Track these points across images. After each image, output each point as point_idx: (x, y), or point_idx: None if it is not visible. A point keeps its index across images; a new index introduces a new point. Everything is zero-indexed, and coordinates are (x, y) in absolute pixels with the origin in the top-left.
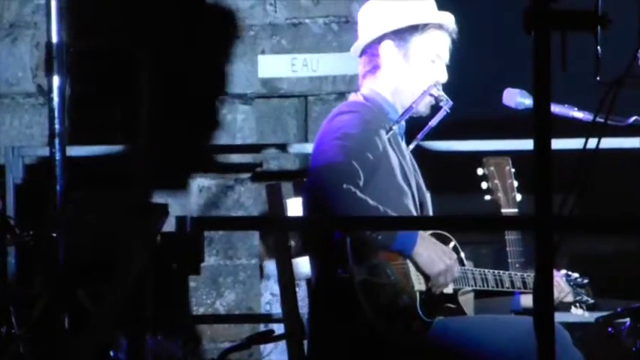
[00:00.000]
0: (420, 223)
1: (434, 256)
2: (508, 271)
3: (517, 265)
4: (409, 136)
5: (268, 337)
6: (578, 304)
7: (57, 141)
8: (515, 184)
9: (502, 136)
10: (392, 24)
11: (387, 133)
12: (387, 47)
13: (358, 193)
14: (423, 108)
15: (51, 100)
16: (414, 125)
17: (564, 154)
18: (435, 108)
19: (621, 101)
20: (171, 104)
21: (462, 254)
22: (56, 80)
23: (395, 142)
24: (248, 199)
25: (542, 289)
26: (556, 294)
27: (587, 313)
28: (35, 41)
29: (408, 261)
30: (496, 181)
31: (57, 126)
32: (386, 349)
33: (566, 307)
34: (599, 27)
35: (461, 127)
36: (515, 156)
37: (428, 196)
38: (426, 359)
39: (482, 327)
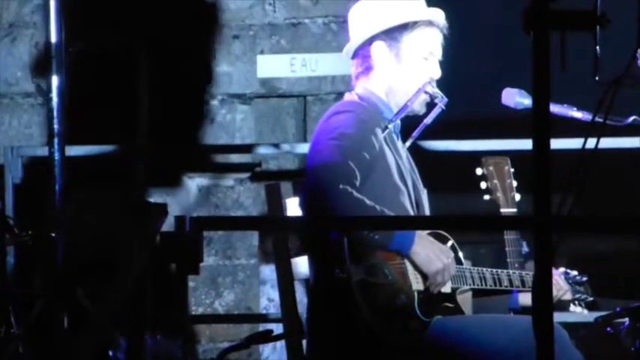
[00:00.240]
0: (419, 222)
1: (431, 255)
2: (507, 270)
3: (516, 265)
4: (405, 134)
5: (267, 337)
6: (577, 302)
7: (56, 141)
8: (514, 183)
9: (501, 136)
10: (382, 24)
11: (383, 131)
12: (378, 48)
13: (355, 193)
14: (417, 106)
15: (50, 100)
16: (409, 123)
17: (563, 153)
18: (431, 105)
19: (620, 101)
20: (170, 104)
21: (460, 253)
22: (55, 80)
23: (391, 141)
24: (247, 198)
25: (542, 288)
26: (554, 292)
27: (586, 311)
28: (34, 41)
29: (406, 260)
30: (495, 181)
31: (56, 126)
32: (384, 349)
33: (565, 305)
34: (598, 27)
35: (460, 126)
36: (515, 156)
37: (425, 194)
38: (424, 359)
39: (480, 326)
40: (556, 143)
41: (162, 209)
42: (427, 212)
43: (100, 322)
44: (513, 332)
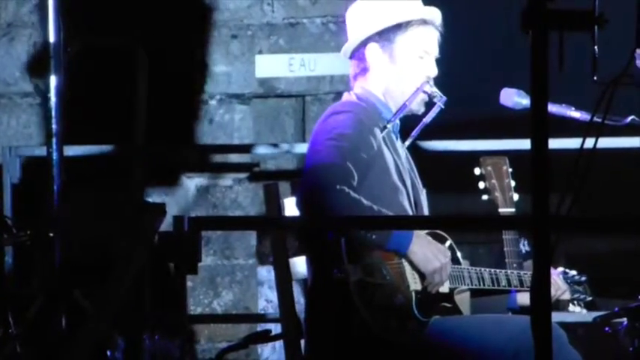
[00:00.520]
0: (416, 222)
1: (429, 254)
2: (505, 270)
3: (514, 265)
4: (404, 134)
5: (265, 337)
6: (575, 302)
7: (54, 141)
8: (513, 183)
9: (499, 136)
10: (375, 25)
11: (382, 131)
12: (372, 50)
13: (352, 193)
14: (416, 106)
15: (48, 99)
16: (409, 123)
17: (561, 153)
18: (429, 104)
19: (618, 101)
20: (168, 104)
21: (458, 253)
22: (53, 80)
23: (389, 141)
24: (245, 198)
25: (540, 288)
26: (553, 292)
27: (584, 311)
28: (32, 41)
29: (404, 260)
30: (493, 181)
31: (54, 126)
32: (382, 349)
33: (563, 304)
34: (596, 27)
35: (458, 126)
36: (513, 155)
37: (423, 193)
38: (422, 359)
39: (478, 326)
40: (554, 143)
41: (160, 209)
42: (426, 212)
43: (97, 322)
44: (511, 332)
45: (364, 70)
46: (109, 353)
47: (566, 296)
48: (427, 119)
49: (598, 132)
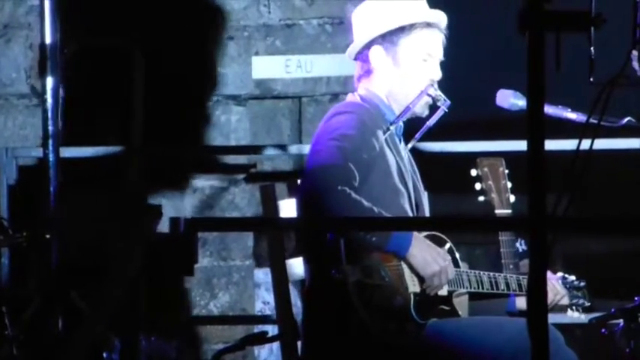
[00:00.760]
0: (414, 223)
1: (428, 258)
2: (502, 272)
3: (511, 266)
4: (407, 136)
5: (262, 338)
6: (574, 307)
7: (51, 142)
8: (509, 185)
9: (496, 137)
10: (380, 27)
11: (384, 133)
12: (376, 53)
13: (353, 194)
14: (420, 108)
15: (45, 101)
16: (412, 125)
17: (558, 155)
18: (433, 107)
19: (615, 102)
20: (165, 105)
21: (457, 255)
22: (50, 81)
23: (392, 143)
24: (242, 200)
25: (536, 289)
26: (552, 297)
27: (583, 316)
28: (29, 42)
29: (403, 262)
30: (490, 182)
31: (51, 127)
32: (379, 351)
33: (562, 310)
34: (592, 28)
35: (454, 128)
36: (509, 157)
37: (425, 196)
38: None
39: (476, 328)
40: (550, 144)
41: (156, 210)
42: (427, 214)
43: (94, 323)
44: (509, 334)
45: (368, 72)
46: (105, 354)
47: (565, 301)
48: (430, 122)
49: (594, 133)
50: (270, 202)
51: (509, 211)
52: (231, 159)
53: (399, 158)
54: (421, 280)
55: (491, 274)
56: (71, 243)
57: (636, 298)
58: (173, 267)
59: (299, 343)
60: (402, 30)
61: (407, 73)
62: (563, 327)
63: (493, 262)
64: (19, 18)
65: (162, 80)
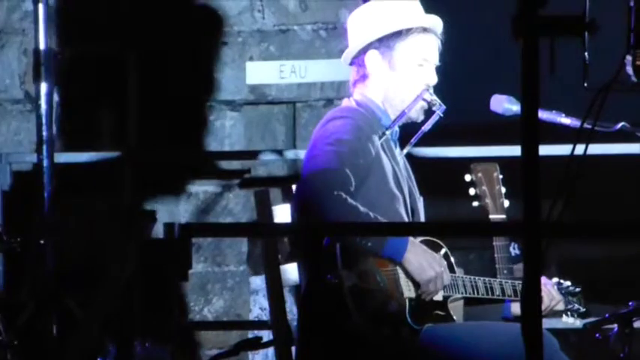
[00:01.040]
0: (409, 229)
1: (424, 264)
2: (497, 277)
3: (505, 272)
4: (403, 142)
5: (256, 344)
6: (569, 313)
7: (45, 148)
8: (503, 190)
9: (490, 143)
10: (376, 32)
11: (380, 138)
12: (372, 57)
13: (349, 199)
14: (415, 114)
15: (39, 106)
16: (407, 130)
17: (552, 160)
18: (428, 112)
19: (609, 107)
20: (159, 111)
21: (453, 260)
22: (44, 87)
23: (388, 148)
24: (236, 205)
25: (530, 294)
26: (547, 302)
27: (578, 321)
28: (23, 48)
29: (398, 268)
30: (484, 187)
31: (45, 133)
32: (375, 356)
33: (557, 315)
34: (586, 33)
35: (449, 133)
36: (503, 162)
37: (420, 202)
38: None
39: (470, 334)
40: (545, 149)
41: (151, 216)
42: (422, 220)
43: (88, 328)
44: (503, 340)
45: (364, 77)
46: None
47: (561, 307)
48: (426, 127)
49: (588, 138)
50: (264, 208)
51: (504, 216)
52: (226, 164)
53: (394, 163)
54: (417, 285)
55: (487, 279)
56: (65, 248)
57: (630, 304)
58: (167, 272)
59: (293, 349)
60: (398, 34)
61: (403, 77)
62: (557, 332)
63: (487, 267)
64: (14, 24)
65: (157, 85)
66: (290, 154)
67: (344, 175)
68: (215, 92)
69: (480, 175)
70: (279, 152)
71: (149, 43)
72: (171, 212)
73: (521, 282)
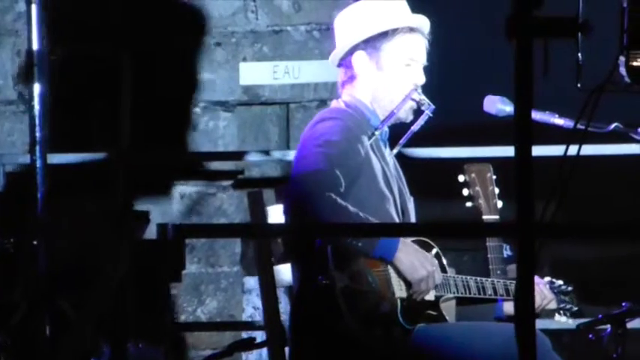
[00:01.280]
0: (401, 229)
1: (415, 263)
2: (490, 277)
3: (498, 272)
4: (393, 142)
5: (250, 344)
6: (562, 312)
7: (38, 148)
8: (497, 190)
9: (483, 143)
10: (362, 33)
11: (369, 139)
12: (359, 58)
13: (339, 200)
14: (404, 114)
15: (32, 107)
16: (397, 130)
17: (545, 160)
18: (418, 112)
19: (602, 108)
20: (152, 111)
21: (444, 261)
22: (37, 88)
23: (377, 148)
24: (230, 206)
25: (524, 295)
26: (539, 301)
27: (570, 321)
28: (16, 49)
29: (390, 267)
30: (477, 188)
31: (38, 133)
32: (367, 356)
33: (549, 314)
34: (580, 34)
35: (442, 134)
36: (497, 163)
37: (411, 201)
38: None
39: (463, 334)
40: (538, 150)
41: (144, 217)
42: (413, 220)
43: (81, 329)
44: (496, 340)
45: (352, 78)
46: None
47: (553, 306)
48: (415, 127)
49: (581, 139)
50: (258, 208)
51: (497, 216)
52: (219, 165)
53: (384, 163)
54: (408, 285)
55: (479, 279)
56: (58, 249)
57: (623, 304)
58: (161, 273)
59: (287, 349)
60: (384, 35)
61: (390, 77)
62: (550, 333)
63: (480, 268)
64: (7, 25)
65: (150, 86)
66: (280, 154)
67: (334, 177)
68: (208, 93)
69: (473, 175)
70: (269, 153)
71: (142, 44)
72: (164, 213)
73: (513, 281)
